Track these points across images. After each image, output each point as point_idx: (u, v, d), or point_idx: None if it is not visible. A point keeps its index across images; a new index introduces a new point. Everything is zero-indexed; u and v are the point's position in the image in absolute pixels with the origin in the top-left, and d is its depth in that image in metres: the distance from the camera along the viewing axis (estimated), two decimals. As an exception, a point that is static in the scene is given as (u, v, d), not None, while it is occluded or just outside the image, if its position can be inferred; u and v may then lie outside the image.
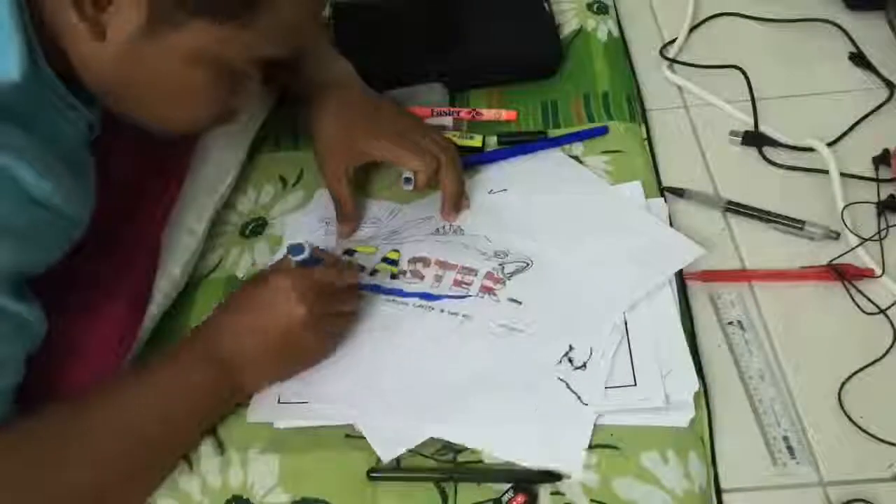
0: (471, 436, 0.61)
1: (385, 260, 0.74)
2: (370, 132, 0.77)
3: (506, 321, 0.68)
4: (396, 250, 0.75)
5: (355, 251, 0.76)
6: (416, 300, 0.71)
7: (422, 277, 0.72)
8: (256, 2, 0.56)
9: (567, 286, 0.69)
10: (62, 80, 0.57)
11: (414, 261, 0.74)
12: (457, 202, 0.78)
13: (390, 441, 0.61)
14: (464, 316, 0.69)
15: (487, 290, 0.70)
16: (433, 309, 0.70)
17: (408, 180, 0.77)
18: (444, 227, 0.77)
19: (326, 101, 0.78)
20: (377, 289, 0.72)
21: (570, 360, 0.65)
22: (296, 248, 0.64)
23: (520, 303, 0.69)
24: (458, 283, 0.71)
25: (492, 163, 0.83)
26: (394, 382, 0.65)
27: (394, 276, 0.73)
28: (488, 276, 0.71)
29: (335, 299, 0.66)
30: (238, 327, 0.63)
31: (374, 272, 0.74)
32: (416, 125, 0.80)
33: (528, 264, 0.71)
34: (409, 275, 0.73)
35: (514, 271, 0.71)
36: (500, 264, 0.72)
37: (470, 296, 0.70)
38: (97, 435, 0.57)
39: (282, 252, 0.76)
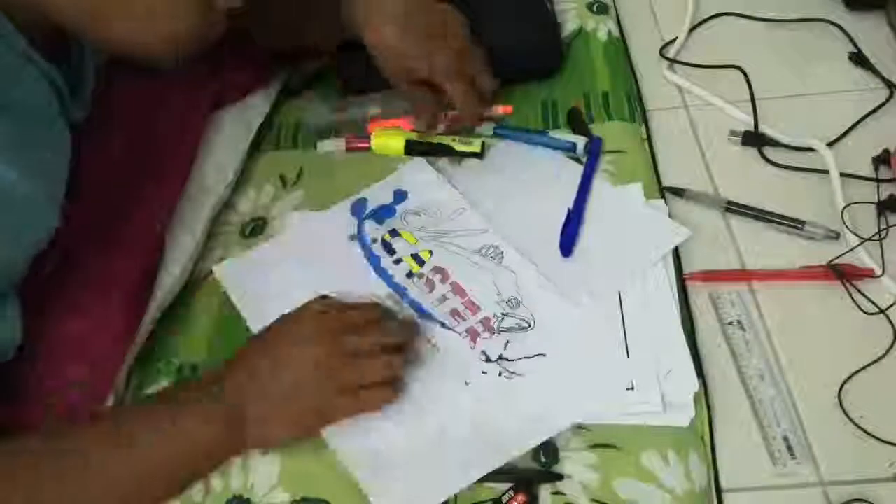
0: None
1: (414, 256, 0.74)
2: (420, 50, 0.75)
3: (467, 371, 0.65)
4: (430, 251, 0.74)
5: (399, 233, 0.76)
6: (410, 311, 0.70)
7: (432, 289, 0.71)
8: None
9: (546, 363, 0.66)
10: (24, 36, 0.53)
11: (436, 270, 0.73)
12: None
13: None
14: (433, 346, 0.67)
15: (472, 334, 0.68)
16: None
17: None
18: (486, 249, 0.74)
19: (377, 6, 0.75)
20: (388, 277, 0.73)
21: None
22: None
23: (489, 362, 0.66)
24: (454, 314, 0.69)
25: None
26: None
27: (409, 275, 0.72)
28: (484, 321, 0.69)
29: (353, 338, 0.61)
30: (252, 379, 0.59)
31: (399, 261, 0.74)
32: (471, 52, 0.78)
33: (528, 325, 0.68)
34: (424, 280, 0.72)
35: (509, 328, 0.68)
36: (502, 314, 0.69)
37: (454, 331, 0.68)
38: (80, 478, 0.55)
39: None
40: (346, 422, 0.61)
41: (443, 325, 0.69)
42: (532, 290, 0.71)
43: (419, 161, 0.83)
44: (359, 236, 0.76)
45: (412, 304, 0.70)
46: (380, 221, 0.78)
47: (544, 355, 0.66)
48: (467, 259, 0.74)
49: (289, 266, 0.74)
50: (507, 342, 0.67)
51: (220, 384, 0.59)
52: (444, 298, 0.71)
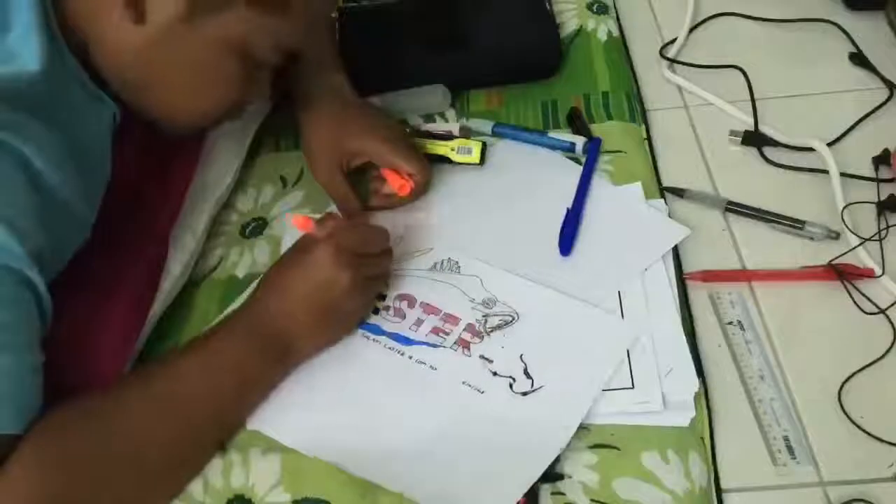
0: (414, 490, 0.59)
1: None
2: (361, 132, 0.76)
3: (470, 381, 0.65)
4: (386, 282, 0.73)
5: None
6: (389, 341, 0.68)
7: (403, 317, 0.70)
8: None
9: (544, 351, 0.66)
10: (87, 72, 0.58)
11: (400, 298, 0.72)
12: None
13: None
14: (431, 367, 0.66)
15: (463, 345, 0.67)
16: (403, 354, 0.67)
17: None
18: (441, 263, 0.74)
19: (318, 104, 0.78)
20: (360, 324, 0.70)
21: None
22: None
23: (491, 361, 0.66)
24: (436, 331, 0.68)
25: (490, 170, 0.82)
26: (348, 419, 0.64)
27: (376, 311, 0.71)
28: (469, 328, 0.68)
29: (372, 262, 0.67)
30: (284, 299, 0.63)
31: None
32: (405, 132, 0.81)
33: (513, 318, 0.68)
34: (391, 311, 0.71)
35: (497, 326, 0.68)
36: (483, 316, 0.69)
37: (444, 347, 0.67)
38: (141, 412, 0.58)
39: (284, 249, 0.76)
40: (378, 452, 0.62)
41: (430, 345, 0.68)
42: (502, 285, 0.71)
43: None
44: None
45: (392, 337, 0.69)
46: None
47: (543, 353, 0.66)
48: (426, 279, 0.73)
49: None
50: (501, 342, 0.67)
51: (249, 307, 0.65)
52: (419, 321, 0.70)
